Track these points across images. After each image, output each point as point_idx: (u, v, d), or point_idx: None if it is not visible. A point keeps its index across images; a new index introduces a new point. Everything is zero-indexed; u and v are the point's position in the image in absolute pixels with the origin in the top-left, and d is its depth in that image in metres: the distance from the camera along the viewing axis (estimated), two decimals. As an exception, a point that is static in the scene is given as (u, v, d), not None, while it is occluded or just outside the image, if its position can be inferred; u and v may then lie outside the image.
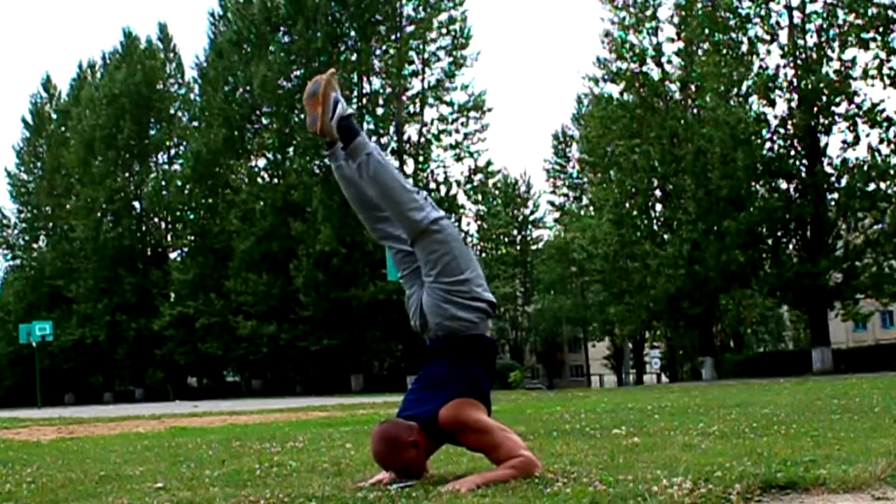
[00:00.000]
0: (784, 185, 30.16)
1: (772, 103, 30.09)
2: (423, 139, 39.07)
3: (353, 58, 38.58)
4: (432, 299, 3.77)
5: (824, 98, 28.59)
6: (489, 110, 39.23)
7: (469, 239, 41.59)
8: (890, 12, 27.28)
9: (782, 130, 29.81)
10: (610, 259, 36.14)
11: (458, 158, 39.07)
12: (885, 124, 28.06)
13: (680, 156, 33.02)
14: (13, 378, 48.10)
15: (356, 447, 5.92)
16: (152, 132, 47.97)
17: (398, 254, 4.03)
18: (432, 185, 39.19)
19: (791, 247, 30.72)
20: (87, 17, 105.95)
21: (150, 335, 42.94)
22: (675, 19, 34.61)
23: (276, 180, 40.10)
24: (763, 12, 30.03)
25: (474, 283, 3.77)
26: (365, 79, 39.11)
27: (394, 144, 38.76)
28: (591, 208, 46.18)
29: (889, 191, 28.37)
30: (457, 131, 38.85)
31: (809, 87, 28.54)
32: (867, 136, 28.51)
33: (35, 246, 53.31)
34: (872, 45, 27.85)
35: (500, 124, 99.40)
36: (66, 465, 5.77)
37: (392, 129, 38.79)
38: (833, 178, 29.23)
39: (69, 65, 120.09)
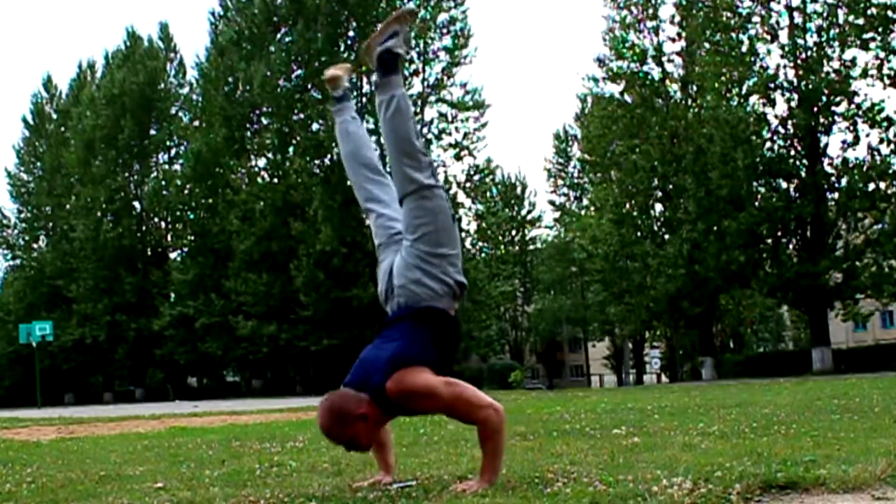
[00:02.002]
0: (784, 185, 30.17)
1: (772, 103, 30.11)
2: (423, 139, 39.07)
3: (353, 58, 38.58)
4: (404, 260, 3.66)
5: (824, 98, 28.60)
6: (488, 106, 39.22)
7: (468, 239, 41.62)
8: (890, 12, 27.28)
9: (782, 130, 29.83)
10: (610, 259, 36.17)
11: (459, 158, 39.11)
12: (885, 124, 28.07)
13: (680, 155, 33.05)
14: (13, 378, 48.03)
15: (356, 447, 5.90)
16: (153, 132, 47.94)
17: (379, 218, 3.93)
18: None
19: (791, 247, 30.72)
20: (88, 17, 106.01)
21: (150, 335, 42.92)
22: (676, 19, 34.64)
23: (276, 180, 40.06)
24: (763, 12, 30.06)
25: (449, 261, 3.66)
26: (365, 79, 39.13)
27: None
28: (592, 208, 46.20)
29: (889, 191, 28.38)
30: (456, 130, 38.90)
31: (809, 86, 28.55)
32: (867, 136, 28.56)
33: (35, 246, 53.24)
34: (872, 44, 27.87)
35: (501, 124, 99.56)
36: (66, 465, 5.77)
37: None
38: (833, 178, 29.24)
39: (69, 65, 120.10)
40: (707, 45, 31.88)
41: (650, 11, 35.66)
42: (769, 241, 30.47)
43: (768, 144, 30.01)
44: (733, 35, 30.38)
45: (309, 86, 38.87)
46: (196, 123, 44.97)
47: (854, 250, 28.82)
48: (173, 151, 48.55)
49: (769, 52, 30.16)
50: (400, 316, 3.65)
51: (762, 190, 30.42)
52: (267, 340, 37.46)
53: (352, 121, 4.14)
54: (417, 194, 3.64)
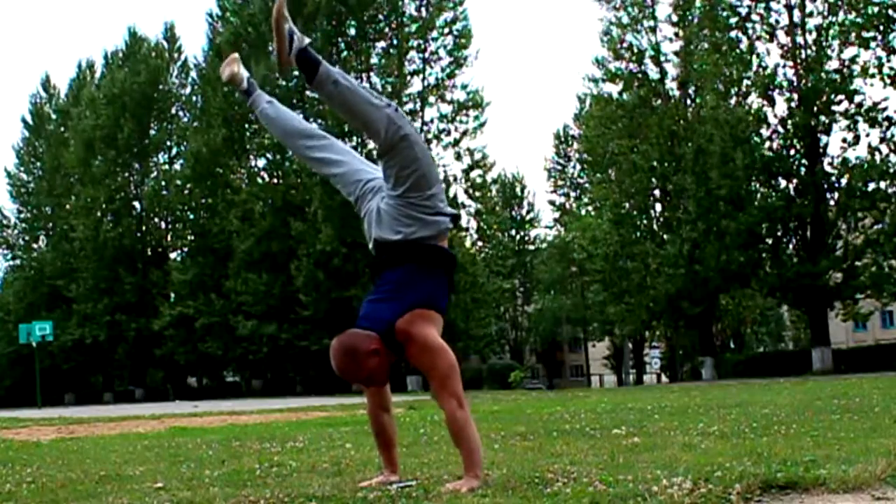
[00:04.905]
0: (784, 185, 30.17)
1: (772, 102, 30.09)
2: (423, 138, 39.07)
3: (354, 57, 38.57)
4: (395, 210, 3.67)
5: (824, 97, 28.58)
6: (488, 104, 39.14)
7: (467, 238, 41.65)
8: (890, 11, 27.27)
9: (782, 130, 29.81)
10: (610, 259, 36.18)
11: (458, 157, 39.07)
12: (885, 124, 28.05)
13: (680, 155, 33.05)
14: (13, 378, 48.01)
15: (356, 447, 5.91)
16: (153, 132, 47.94)
17: (343, 176, 3.95)
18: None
19: (791, 247, 30.72)
20: (88, 17, 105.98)
21: (150, 335, 42.91)
22: (674, 18, 34.65)
23: (276, 180, 40.06)
24: (763, 11, 30.04)
25: (438, 198, 3.70)
26: (365, 78, 39.12)
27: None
28: (592, 208, 46.22)
29: (889, 191, 28.37)
30: (455, 129, 38.86)
31: (809, 86, 28.53)
32: (867, 135, 28.53)
33: (35, 246, 53.24)
34: (872, 43, 27.85)
35: (502, 124, 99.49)
36: (66, 465, 5.77)
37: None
38: (833, 178, 29.23)
39: (69, 65, 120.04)
40: (706, 44, 31.88)
41: (647, 11, 35.66)
42: (769, 240, 30.46)
43: (768, 144, 30.01)
44: (732, 34, 30.38)
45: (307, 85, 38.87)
46: (196, 124, 44.98)
47: (854, 250, 28.82)
48: (173, 151, 48.53)
49: (768, 51, 30.21)
50: (401, 256, 3.68)
51: (762, 190, 30.42)
52: (267, 340, 37.47)
53: (269, 106, 4.16)
54: (397, 147, 3.63)
